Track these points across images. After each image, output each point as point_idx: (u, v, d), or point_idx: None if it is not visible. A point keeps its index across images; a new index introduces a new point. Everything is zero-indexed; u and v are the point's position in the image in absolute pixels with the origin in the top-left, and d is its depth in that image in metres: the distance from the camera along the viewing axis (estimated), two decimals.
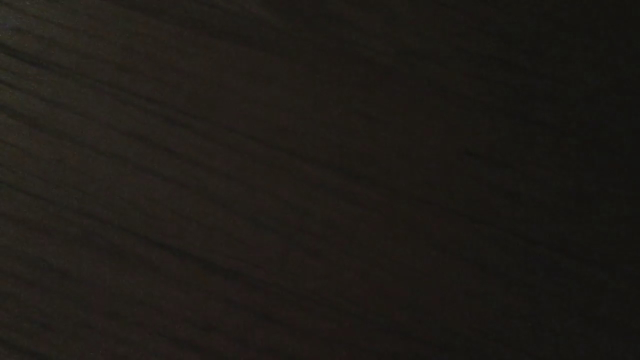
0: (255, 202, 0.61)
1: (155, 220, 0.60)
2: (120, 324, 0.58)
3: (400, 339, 0.58)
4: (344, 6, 0.67)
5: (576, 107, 0.65)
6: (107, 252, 0.59)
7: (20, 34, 0.65)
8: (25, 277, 0.59)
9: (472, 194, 0.62)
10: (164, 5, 0.67)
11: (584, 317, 0.59)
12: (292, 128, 0.64)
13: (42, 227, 0.60)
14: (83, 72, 0.64)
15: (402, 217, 0.61)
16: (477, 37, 0.67)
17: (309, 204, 0.61)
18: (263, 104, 0.64)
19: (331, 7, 0.67)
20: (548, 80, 0.66)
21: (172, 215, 0.61)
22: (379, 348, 0.58)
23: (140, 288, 0.59)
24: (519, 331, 0.59)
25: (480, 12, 0.68)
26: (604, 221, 0.62)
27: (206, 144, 0.63)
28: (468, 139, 0.64)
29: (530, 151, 0.64)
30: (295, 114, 0.64)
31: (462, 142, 0.64)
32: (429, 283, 0.60)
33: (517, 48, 0.67)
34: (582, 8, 0.68)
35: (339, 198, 0.62)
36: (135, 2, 0.67)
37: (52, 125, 0.63)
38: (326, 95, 0.65)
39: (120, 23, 0.66)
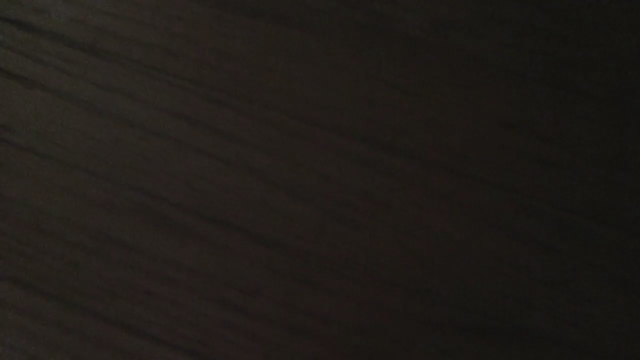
0: (294, 176, 0.63)
1: (202, 194, 0.63)
2: (174, 289, 0.61)
3: (434, 304, 0.59)
4: None
5: (616, 75, 0.63)
6: (160, 224, 0.63)
7: (76, 24, 0.68)
8: (89, 247, 0.62)
9: (507, 164, 0.62)
10: None
11: (618, 284, 0.59)
12: (329, 103, 0.65)
13: (101, 201, 0.64)
14: (132, 58, 0.67)
15: (437, 187, 0.62)
16: (512, 5, 0.65)
17: (346, 177, 0.63)
18: (301, 81, 0.65)
19: None
20: (586, 48, 0.64)
21: (217, 189, 0.63)
22: (413, 312, 0.59)
23: (191, 257, 0.62)
24: (552, 299, 0.59)
25: None
26: None
27: (248, 121, 0.65)
28: (503, 110, 0.63)
29: (567, 120, 0.63)
30: (331, 90, 0.65)
31: (497, 112, 0.63)
32: (462, 251, 0.61)
33: (553, 15, 0.65)
34: None
35: (374, 170, 0.63)
36: None
37: (106, 108, 0.66)
38: (362, 71, 0.65)
39: (163, 9, 0.68)
